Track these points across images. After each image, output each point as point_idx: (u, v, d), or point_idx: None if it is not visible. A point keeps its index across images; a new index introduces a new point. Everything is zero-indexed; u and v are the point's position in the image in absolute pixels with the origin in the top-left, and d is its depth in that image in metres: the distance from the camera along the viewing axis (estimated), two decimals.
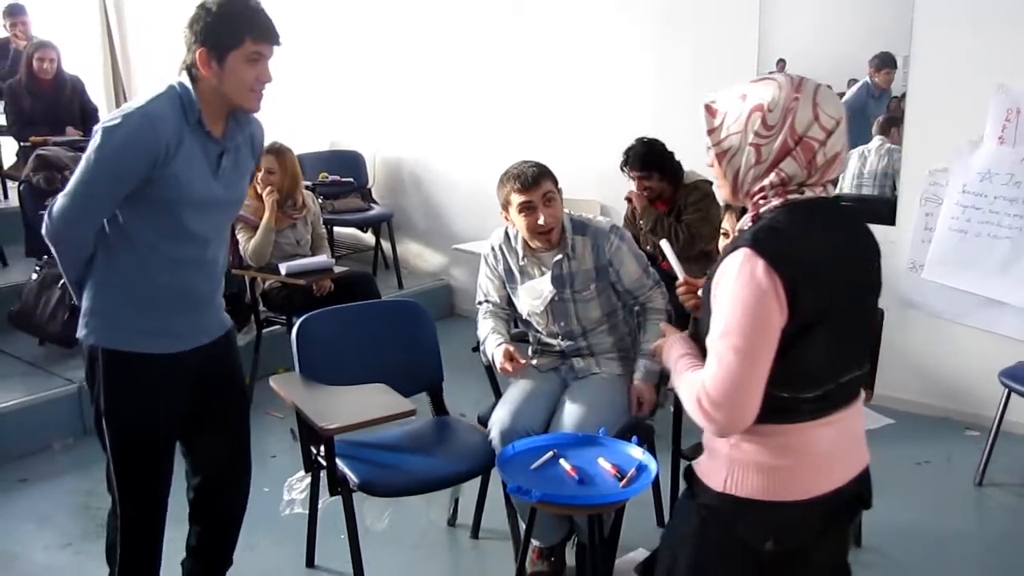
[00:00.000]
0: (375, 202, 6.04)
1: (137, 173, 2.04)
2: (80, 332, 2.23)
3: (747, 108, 1.53)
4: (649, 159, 4.07)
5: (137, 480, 2.29)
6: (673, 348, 1.71)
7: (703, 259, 3.78)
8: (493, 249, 2.98)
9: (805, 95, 1.51)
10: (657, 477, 2.50)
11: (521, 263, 2.91)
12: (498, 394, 3.16)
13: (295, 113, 5.67)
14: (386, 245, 6.03)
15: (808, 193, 1.54)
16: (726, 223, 2.67)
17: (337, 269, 4.29)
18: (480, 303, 3.05)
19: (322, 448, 2.69)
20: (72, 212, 2.10)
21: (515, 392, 2.83)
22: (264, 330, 4.45)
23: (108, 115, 2.12)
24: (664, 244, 2.10)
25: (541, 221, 2.74)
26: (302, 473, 2.92)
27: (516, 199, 2.76)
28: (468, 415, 3.28)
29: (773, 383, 1.50)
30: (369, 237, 6.26)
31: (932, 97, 4.00)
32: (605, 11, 4.96)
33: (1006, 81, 3.78)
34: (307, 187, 4.68)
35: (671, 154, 4.11)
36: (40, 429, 3.90)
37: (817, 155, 1.51)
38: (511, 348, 2.80)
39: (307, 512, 2.92)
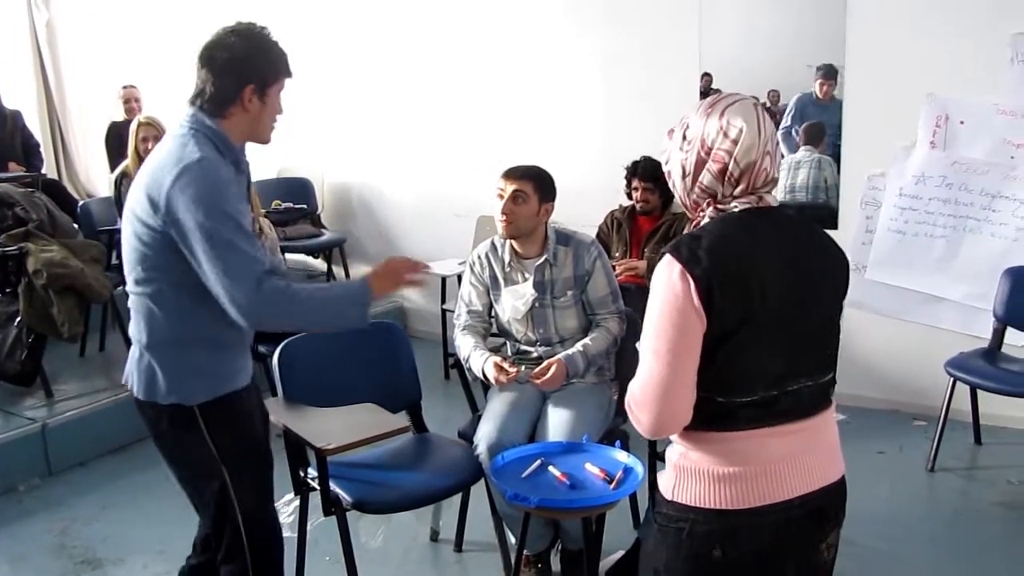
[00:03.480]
0: (324, 227, 6.07)
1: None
2: (166, 398, 2.13)
3: (679, 127, 1.65)
4: (658, 174, 4.40)
5: (261, 505, 2.30)
6: None
7: None
8: (479, 257, 3.09)
9: (716, 108, 1.58)
10: None
11: (506, 270, 3.03)
12: (474, 408, 3.23)
13: None
14: (337, 270, 6.06)
15: (738, 205, 1.58)
16: None
17: None
18: (458, 317, 3.12)
19: (310, 470, 2.72)
20: (241, 261, 1.98)
21: (498, 406, 2.90)
22: None
23: (162, 176, 2.00)
24: None
25: (500, 210, 2.92)
26: (289, 496, 2.94)
27: (498, 182, 2.97)
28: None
29: (708, 388, 1.54)
30: (319, 263, 6.27)
31: (867, 105, 4.21)
32: (553, 32, 5.08)
33: (935, 90, 4.01)
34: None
35: None
36: (3, 471, 3.81)
37: (729, 165, 1.56)
38: (498, 360, 2.89)
39: (295, 535, 2.94)
